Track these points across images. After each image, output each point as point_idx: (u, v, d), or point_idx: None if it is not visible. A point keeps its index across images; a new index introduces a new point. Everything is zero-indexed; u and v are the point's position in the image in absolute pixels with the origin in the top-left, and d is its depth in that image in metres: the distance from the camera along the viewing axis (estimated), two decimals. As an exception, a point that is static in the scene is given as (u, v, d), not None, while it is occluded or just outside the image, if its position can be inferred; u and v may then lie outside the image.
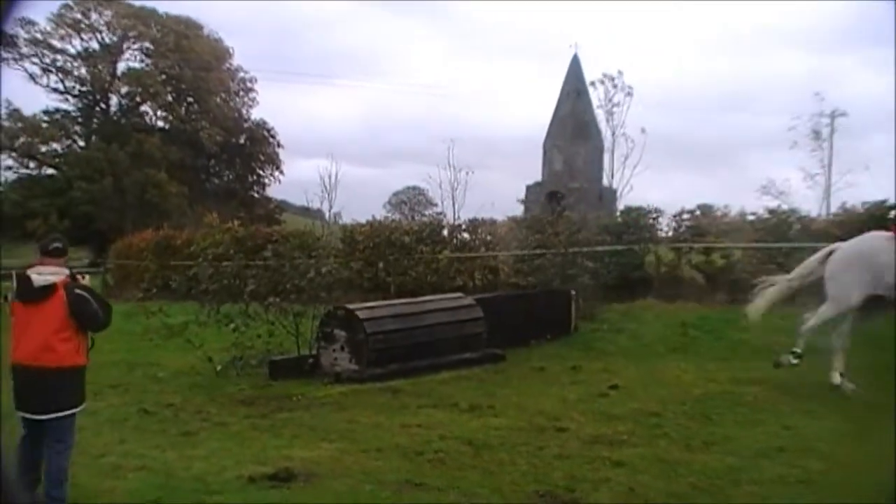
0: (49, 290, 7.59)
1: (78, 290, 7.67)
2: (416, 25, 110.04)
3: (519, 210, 37.47)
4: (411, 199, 69.94)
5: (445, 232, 27.69)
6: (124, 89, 65.08)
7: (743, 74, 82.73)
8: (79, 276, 8.01)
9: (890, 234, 13.85)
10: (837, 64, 78.54)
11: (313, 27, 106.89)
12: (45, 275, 7.65)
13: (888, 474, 8.77)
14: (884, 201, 21.72)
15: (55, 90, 63.35)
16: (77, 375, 7.85)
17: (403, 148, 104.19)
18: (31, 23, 60.68)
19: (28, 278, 7.68)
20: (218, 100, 65.65)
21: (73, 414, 7.84)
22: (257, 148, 67.84)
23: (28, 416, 7.71)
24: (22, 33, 60.53)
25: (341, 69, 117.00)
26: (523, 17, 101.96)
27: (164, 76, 63.48)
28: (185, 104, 65.68)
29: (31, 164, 62.20)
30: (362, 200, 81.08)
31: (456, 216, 44.88)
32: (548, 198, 35.92)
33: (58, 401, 7.67)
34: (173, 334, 16.08)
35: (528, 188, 38.78)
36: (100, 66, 63.28)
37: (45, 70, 62.61)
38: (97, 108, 65.17)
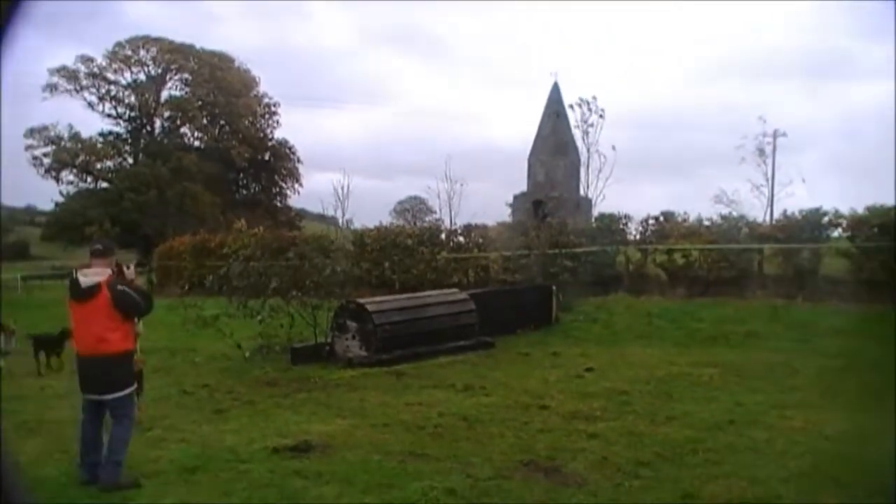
0: (94, 289, 7.58)
1: (119, 287, 7.64)
2: (415, 58, 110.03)
3: (507, 216, 37.41)
4: (413, 207, 69.77)
5: (443, 236, 27.74)
6: (167, 114, 65.27)
7: (696, 100, 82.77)
8: (124, 267, 7.97)
9: None
10: (772, 91, 79.25)
11: (327, 61, 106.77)
12: (89, 276, 7.64)
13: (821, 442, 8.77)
14: (818, 209, 21.83)
15: (109, 115, 63.71)
16: (128, 358, 7.86)
17: (406, 163, 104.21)
18: (90, 59, 61.15)
19: (76, 280, 7.69)
20: (246, 122, 65.72)
21: (131, 392, 7.87)
22: (280, 163, 67.83)
23: (94, 397, 7.76)
24: (82, 68, 60.89)
25: (351, 95, 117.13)
26: (510, 50, 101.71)
27: (200, 102, 63.60)
28: (218, 126, 65.74)
29: (89, 179, 62.43)
30: (371, 208, 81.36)
31: (452, 222, 44.89)
32: (533, 206, 35.78)
33: (116, 382, 7.70)
34: (207, 325, 16.03)
35: (515, 197, 38.62)
36: (146, 95, 63.51)
37: (101, 99, 62.91)
38: (144, 131, 65.30)
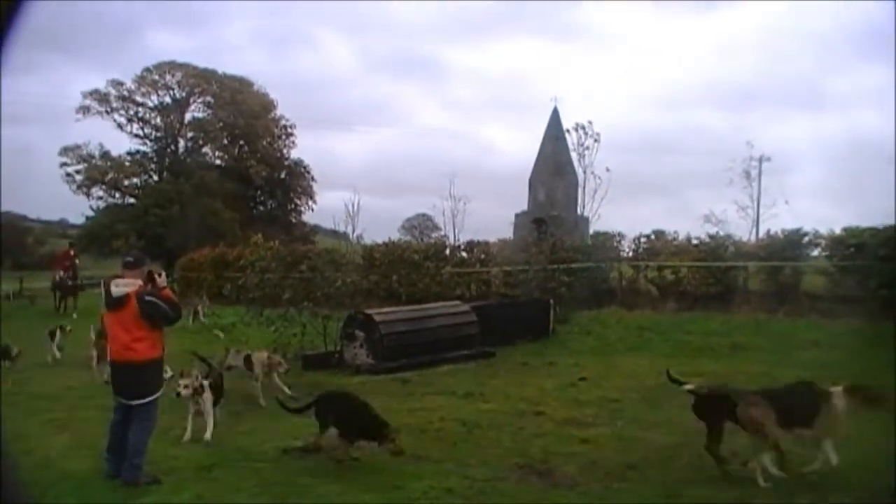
0: (123, 299, 7.63)
1: (147, 298, 7.68)
2: (415, 83, 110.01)
3: (508, 233, 37.39)
4: (420, 224, 69.45)
5: (447, 251, 27.74)
6: (190, 134, 65.35)
7: (676, 125, 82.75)
8: (155, 275, 8.00)
9: None
10: (748, 118, 79.77)
11: (333, 86, 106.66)
12: (120, 287, 7.70)
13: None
14: (799, 229, 21.89)
15: (136, 136, 63.75)
16: (155, 367, 7.93)
17: (411, 182, 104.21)
18: (120, 83, 61.39)
19: (108, 291, 7.75)
20: (264, 142, 65.66)
21: (154, 399, 7.91)
22: (295, 182, 67.65)
23: (123, 400, 7.85)
24: (113, 91, 61.21)
25: (357, 119, 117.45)
26: (506, 77, 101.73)
27: (221, 124, 63.65)
28: (238, 146, 65.76)
29: (117, 195, 62.49)
30: (380, 225, 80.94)
31: (456, 238, 44.82)
32: (535, 223, 35.82)
33: (142, 388, 7.77)
34: (225, 332, 16.06)
35: (517, 216, 38.64)
36: (171, 117, 63.63)
37: (130, 120, 63.00)
38: (169, 150, 65.32)
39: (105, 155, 60.90)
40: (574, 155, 41.57)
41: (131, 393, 7.77)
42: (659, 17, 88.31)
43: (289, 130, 68.02)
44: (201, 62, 63.94)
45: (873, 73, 64.33)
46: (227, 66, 69.80)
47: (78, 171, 60.52)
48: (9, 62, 4.51)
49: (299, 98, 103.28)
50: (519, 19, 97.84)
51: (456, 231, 51.68)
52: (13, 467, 6.35)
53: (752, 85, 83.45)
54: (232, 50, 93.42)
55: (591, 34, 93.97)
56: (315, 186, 68.68)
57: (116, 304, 7.69)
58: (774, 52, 77.15)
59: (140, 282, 7.82)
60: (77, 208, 63.89)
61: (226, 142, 65.01)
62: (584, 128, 42.59)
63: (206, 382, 9.61)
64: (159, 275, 8.07)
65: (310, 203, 69.13)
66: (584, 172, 42.45)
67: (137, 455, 7.67)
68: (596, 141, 42.64)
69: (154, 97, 63.61)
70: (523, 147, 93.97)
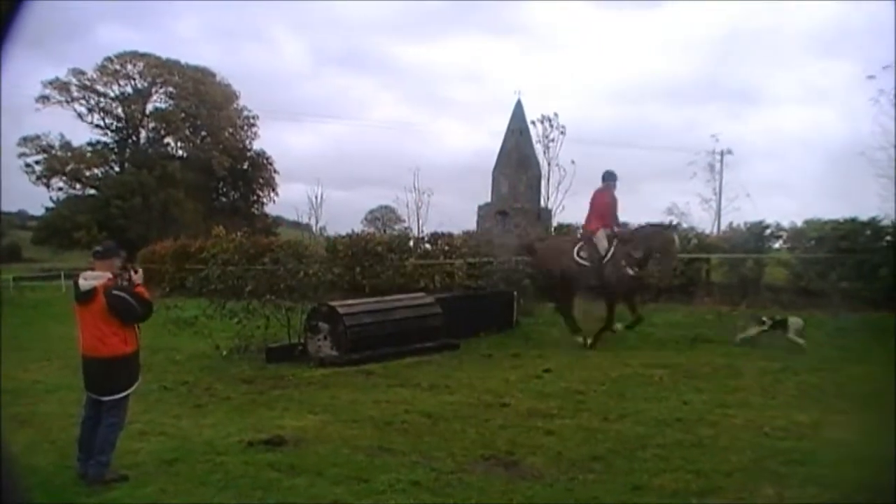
0: (91, 293, 7.50)
1: (115, 292, 7.54)
2: (371, 78, 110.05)
3: (473, 225, 37.39)
4: (384, 216, 69.32)
5: (411, 243, 27.72)
6: (152, 125, 65.07)
7: (627, 119, 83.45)
8: (132, 272, 7.85)
9: None
10: (700, 113, 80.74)
11: (285, 80, 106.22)
12: (89, 280, 7.56)
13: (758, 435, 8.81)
14: (760, 222, 22.11)
15: (98, 126, 63.54)
16: (127, 362, 7.76)
17: (372, 176, 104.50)
18: (82, 72, 60.90)
19: (76, 283, 7.62)
20: (227, 133, 65.47)
21: (125, 396, 7.78)
22: (258, 173, 67.62)
23: (93, 396, 7.72)
24: (74, 81, 60.62)
25: (309, 113, 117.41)
26: (467, 73, 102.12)
27: (184, 114, 63.38)
28: (200, 137, 65.51)
29: (78, 186, 62.18)
30: (343, 217, 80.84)
31: (420, 230, 44.83)
32: (499, 215, 35.93)
33: (113, 384, 7.65)
34: (187, 325, 15.89)
35: (480, 208, 38.74)
36: (133, 107, 63.24)
37: (91, 110, 62.74)
38: (130, 141, 64.96)
39: (65, 145, 60.61)
40: (538, 147, 41.81)
41: (102, 388, 7.62)
42: (601, 17, 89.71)
43: (251, 121, 67.82)
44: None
45: (822, 71, 65.75)
46: (192, 55, 69.51)
47: (37, 162, 60.27)
48: (8, 63, 4.38)
49: (251, 92, 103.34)
50: (466, 17, 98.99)
51: (420, 223, 51.73)
52: (13, 467, 6.22)
53: (701, 82, 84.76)
54: (184, 44, 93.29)
55: (538, 32, 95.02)
56: (277, 178, 68.73)
57: (84, 297, 7.55)
58: (722, 50, 78.36)
59: (109, 274, 7.67)
60: (36, 199, 63.39)
61: (188, 132, 64.81)
62: (549, 120, 42.81)
63: None
64: (136, 271, 7.93)
65: (272, 194, 69.12)
66: (549, 165, 42.68)
67: (104, 452, 7.52)
68: (562, 133, 42.88)
69: (115, 87, 63.15)
70: (482, 141, 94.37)
